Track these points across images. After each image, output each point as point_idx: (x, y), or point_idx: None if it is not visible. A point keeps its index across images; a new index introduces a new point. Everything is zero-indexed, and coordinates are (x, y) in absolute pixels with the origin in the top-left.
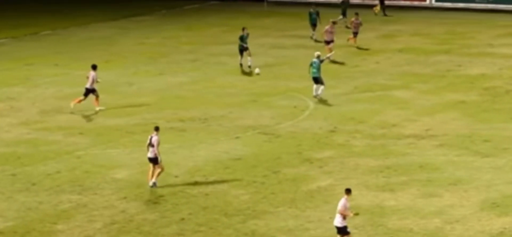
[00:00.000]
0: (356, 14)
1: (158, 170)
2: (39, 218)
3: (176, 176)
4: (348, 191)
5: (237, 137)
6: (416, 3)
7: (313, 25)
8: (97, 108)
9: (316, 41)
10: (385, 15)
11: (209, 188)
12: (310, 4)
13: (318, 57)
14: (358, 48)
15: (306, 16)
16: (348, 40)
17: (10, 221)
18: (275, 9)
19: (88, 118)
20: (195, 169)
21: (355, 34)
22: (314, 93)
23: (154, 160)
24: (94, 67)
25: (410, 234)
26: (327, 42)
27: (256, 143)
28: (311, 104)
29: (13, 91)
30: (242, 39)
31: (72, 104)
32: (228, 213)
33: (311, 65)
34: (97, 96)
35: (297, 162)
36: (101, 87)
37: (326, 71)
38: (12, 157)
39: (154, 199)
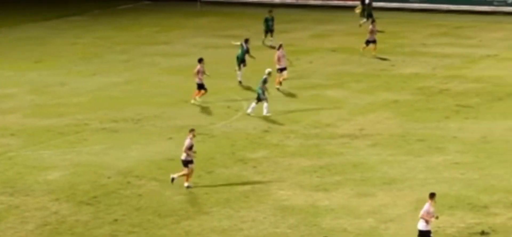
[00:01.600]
0: (373, 21)
1: (184, 172)
2: None
3: (108, 177)
4: (432, 196)
5: (170, 138)
6: (349, 3)
7: (270, 31)
8: (193, 101)
9: (271, 47)
10: (364, 16)
11: (142, 189)
12: (250, 4)
13: (268, 74)
14: (377, 57)
15: (241, 15)
16: (363, 49)
17: None
18: (208, 9)
19: (22, 118)
20: (128, 170)
21: (373, 42)
22: (248, 110)
23: (184, 163)
24: (199, 61)
25: (344, 233)
26: (281, 70)
27: None
28: (245, 104)
29: None
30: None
31: (194, 100)
32: (162, 213)
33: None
34: (202, 90)
35: (231, 162)
36: (33, 87)
37: (260, 71)
38: None
39: (86, 200)
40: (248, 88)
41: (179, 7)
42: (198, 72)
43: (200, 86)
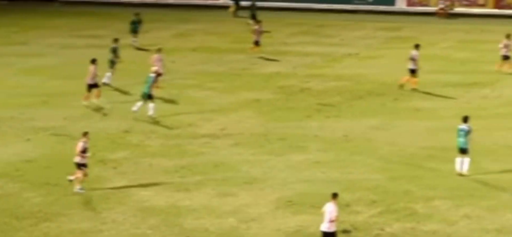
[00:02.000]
0: (259, 22)
1: (77, 175)
2: None
3: None
4: (334, 196)
5: (28, 139)
6: (209, 2)
7: (135, 32)
8: (85, 102)
9: (138, 48)
10: (237, 16)
11: None
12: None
13: (155, 72)
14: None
15: (99, 15)
16: (251, 49)
17: None
18: (66, 9)
19: None
20: None
21: (257, 42)
22: (150, 112)
23: (77, 165)
24: (93, 61)
25: (206, 233)
26: (159, 74)
27: (49, 144)
28: (106, 105)
29: None
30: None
31: (84, 102)
32: (19, 216)
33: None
34: (94, 89)
35: (91, 163)
36: None
37: (122, 70)
38: None
39: None
40: (116, 89)
41: (37, 7)
42: (93, 74)
43: (94, 86)
